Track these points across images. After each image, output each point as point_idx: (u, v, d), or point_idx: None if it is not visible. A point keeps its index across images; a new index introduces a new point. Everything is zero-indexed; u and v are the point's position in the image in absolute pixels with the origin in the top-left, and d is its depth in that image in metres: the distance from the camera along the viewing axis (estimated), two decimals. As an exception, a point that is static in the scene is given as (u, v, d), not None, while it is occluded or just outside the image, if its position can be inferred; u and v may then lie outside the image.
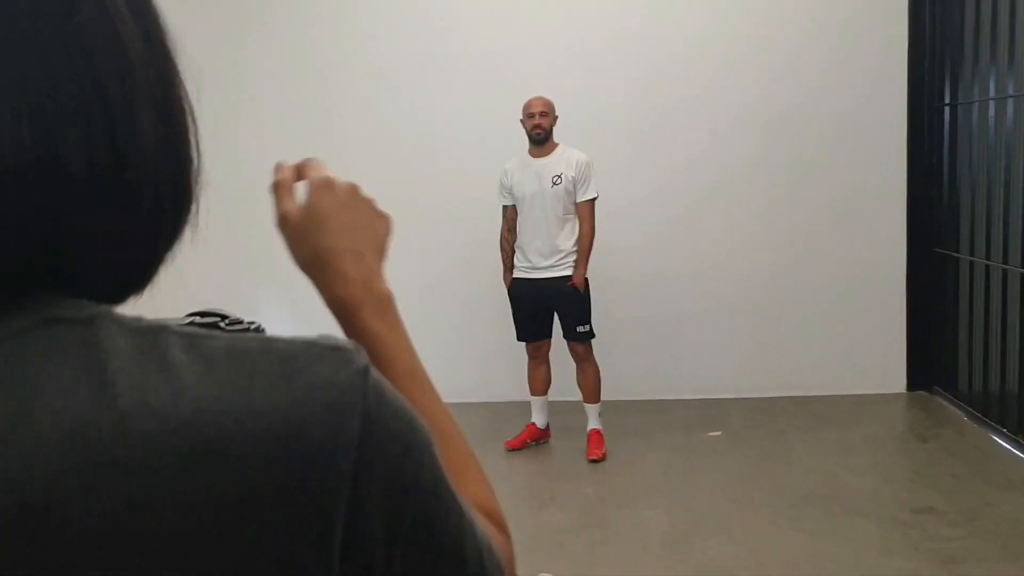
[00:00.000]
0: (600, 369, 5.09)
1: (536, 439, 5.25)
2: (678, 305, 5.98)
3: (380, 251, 0.81)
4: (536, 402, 5.23)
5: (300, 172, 0.81)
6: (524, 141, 5.02)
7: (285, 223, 0.78)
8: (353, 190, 0.80)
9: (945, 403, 5.65)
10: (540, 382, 5.18)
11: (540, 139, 4.93)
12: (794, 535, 3.94)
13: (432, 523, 0.57)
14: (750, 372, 5.96)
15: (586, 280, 4.96)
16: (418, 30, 5.92)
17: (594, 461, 4.93)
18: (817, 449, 4.97)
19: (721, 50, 5.83)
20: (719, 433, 5.29)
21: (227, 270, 5.59)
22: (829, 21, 5.78)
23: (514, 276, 5.08)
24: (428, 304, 5.85)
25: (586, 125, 5.61)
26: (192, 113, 0.58)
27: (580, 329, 4.97)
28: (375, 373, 0.56)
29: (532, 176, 4.95)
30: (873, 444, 5.09)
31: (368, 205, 0.81)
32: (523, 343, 5.19)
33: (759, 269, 5.93)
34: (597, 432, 5.07)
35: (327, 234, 0.77)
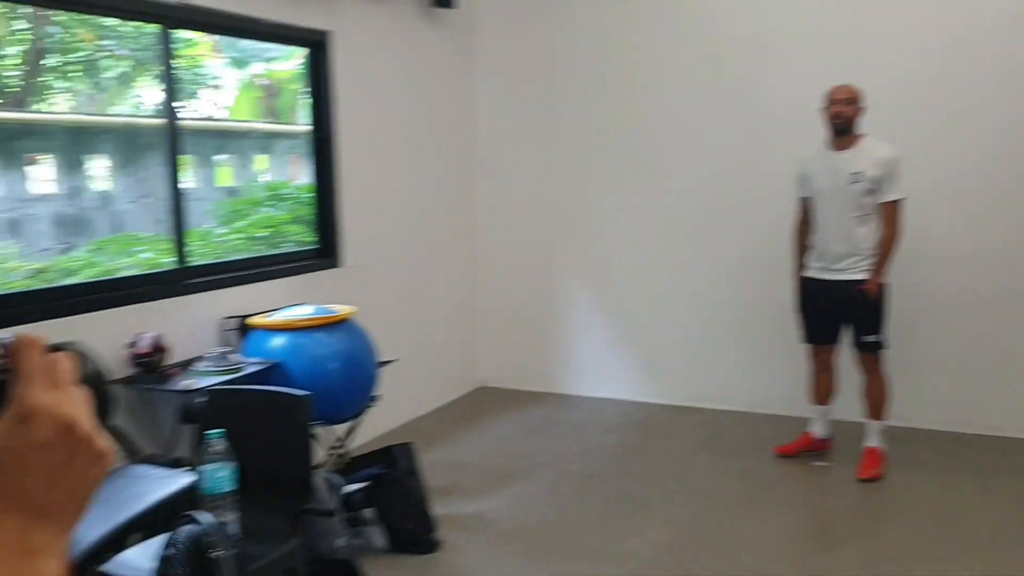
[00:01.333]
0: (889, 384, 4.62)
1: (811, 449, 4.87)
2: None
3: (77, 501, 0.64)
4: (816, 411, 4.86)
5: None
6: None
7: None
8: (65, 424, 0.62)
9: None
10: (822, 390, 4.83)
11: (840, 129, 4.46)
12: None
13: None
14: None
15: (882, 286, 4.48)
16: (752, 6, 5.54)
17: (863, 481, 4.53)
18: None
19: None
20: (1077, 489, 4.41)
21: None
22: None
23: (804, 275, 4.71)
24: (716, 303, 5.64)
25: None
26: None
27: (868, 339, 4.54)
28: None
29: (829, 170, 4.51)
30: None
31: (82, 443, 0.63)
32: (807, 346, 4.83)
33: None
34: (874, 451, 4.64)
35: (3, 481, 0.61)
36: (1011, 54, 4.97)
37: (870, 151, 4.45)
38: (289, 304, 4.37)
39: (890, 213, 4.45)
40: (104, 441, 0.65)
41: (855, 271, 4.53)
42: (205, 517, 2.47)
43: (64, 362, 0.64)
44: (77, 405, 0.63)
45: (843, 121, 4.46)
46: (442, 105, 5.92)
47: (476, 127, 6.25)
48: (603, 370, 6.10)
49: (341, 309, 4.28)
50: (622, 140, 5.90)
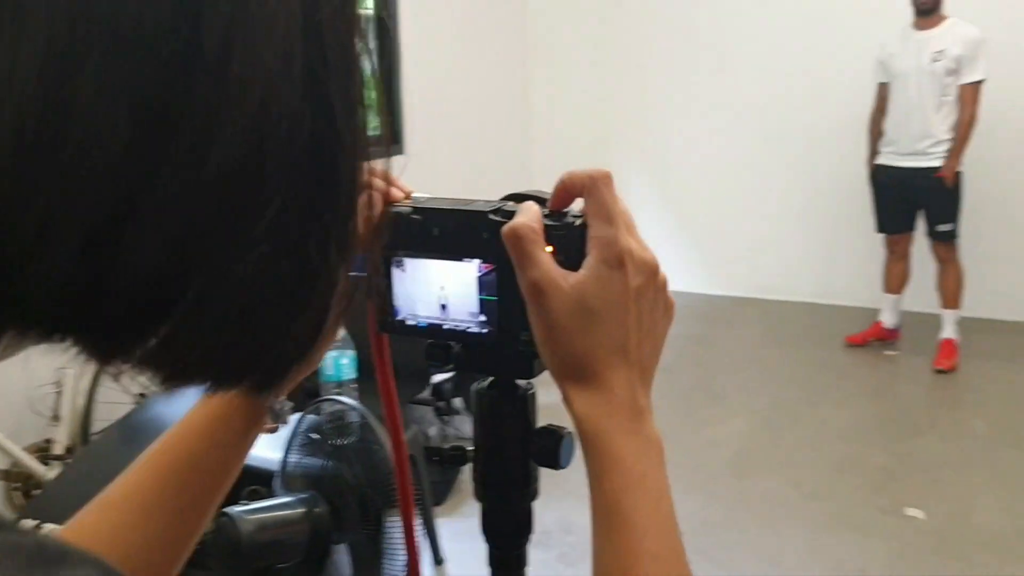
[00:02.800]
0: (963, 273, 4.58)
1: (881, 338, 4.86)
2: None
3: (657, 356, 0.57)
4: (888, 300, 4.83)
5: (575, 196, 0.56)
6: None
7: (541, 296, 0.54)
8: (652, 269, 0.55)
9: None
10: (896, 279, 4.78)
11: (925, 9, 4.32)
12: None
13: None
14: None
15: (958, 174, 4.40)
16: None
17: (940, 371, 4.51)
18: None
19: None
20: None
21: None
22: None
23: (878, 163, 4.62)
24: (781, 194, 5.53)
25: None
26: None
27: (942, 228, 4.48)
28: None
29: (911, 50, 4.38)
30: None
31: (661, 293, 0.57)
32: (881, 235, 4.77)
33: None
34: (949, 342, 4.61)
35: (600, 335, 0.54)
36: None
37: (955, 30, 4.32)
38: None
39: (970, 95, 4.33)
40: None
41: (931, 157, 4.42)
42: (345, 400, 2.41)
43: (623, 200, 0.56)
44: (648, 248, 0.56)
45: (927, 1, 4.30)
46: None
47: (527, 9, 6.02)
48: (664, 261, 5.96)
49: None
50: (688, 25, 5.69)
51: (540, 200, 0.59)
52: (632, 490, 0.52)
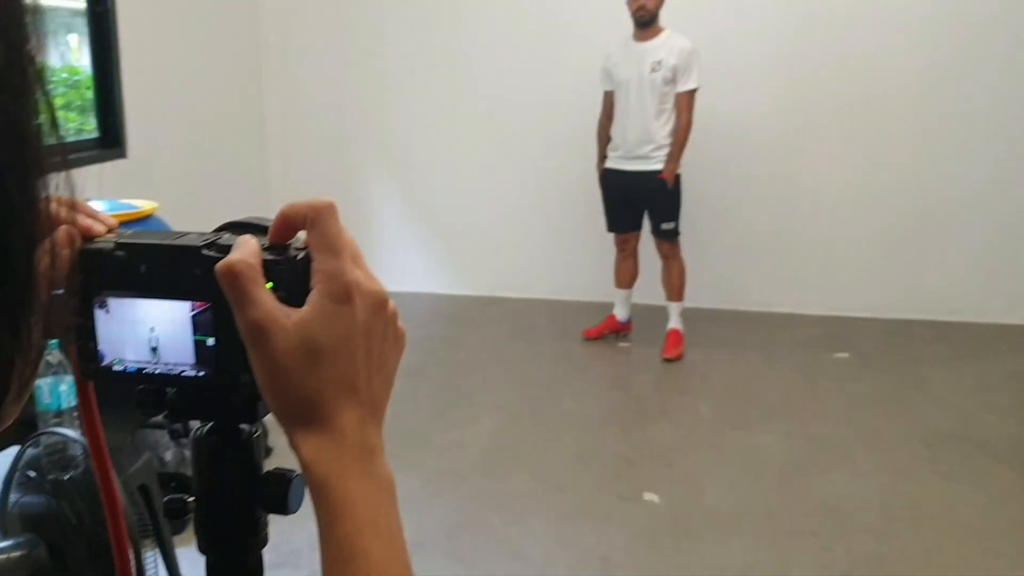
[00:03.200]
0: (686, 268, 4.93)
1: (615, 331, 5.15)
2: (809, 214, 5.55)
3: (388, 391, 0.55)
4: (619, 295, 5.12)
5: (297, 228, 0.54)
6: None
7: (262, 337, 0.50)
8: (380, 301, 0.53)
9: (1103, 341, 5.13)
10: (625, 275, 5.08)
11: (644, 21, 4.63)
12: (926, 477, 3.61)
13: None
14: (885, 290, 5.52)
15: (678, 176, 4.74)
16: None
17: (668, 360, 4.83)
18: (956, 383, 4.56)
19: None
20: (846, 355, 4.92)
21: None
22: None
23: (606, 167, 4.90)
24: (519, 196, 5.73)
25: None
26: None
27: (665, 226, 4.81)
28: None
29: (632, 60, 4.67)
30: (1018, 382, 4.64)
31: (391, 325, 0.55)
32: (612, 235, 5.05)
33: (905, 181, 5.41)
34: (676, 332, 4.95)
35: (328, 374, 0.51)
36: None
37: (670, 43, 4.62)
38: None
39: (685, 102, 4.65)
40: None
41: (653, 161, 4.71)
42: (65, 432, 2.20)
43: (348, 231, 0.53)
44: (376, 279, 0.54)
45: (646, 13, 4.60)
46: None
47: (259, 3, 5.81)
48: (407, 264, 6.01)
49: (142, 204, 3.88)
50: (424, 25, 5.71)
51: (262, 229, 0.56)
52: (365, 534, 0.50)
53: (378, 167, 5.96)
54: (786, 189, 5.54)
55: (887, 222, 5.45)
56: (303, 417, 0.51)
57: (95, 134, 4.52)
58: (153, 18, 4.74)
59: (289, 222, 0.53)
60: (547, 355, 4.95)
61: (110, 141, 4.52)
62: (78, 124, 4.57)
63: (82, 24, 4.45)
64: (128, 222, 3.75)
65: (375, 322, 0.52)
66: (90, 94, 4.51)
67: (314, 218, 0.52)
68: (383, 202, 5.98)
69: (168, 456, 3.38)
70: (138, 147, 4.62)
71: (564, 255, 5.81)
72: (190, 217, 4.92)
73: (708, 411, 4.26)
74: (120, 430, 2.71)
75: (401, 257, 6.01)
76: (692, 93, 4.64)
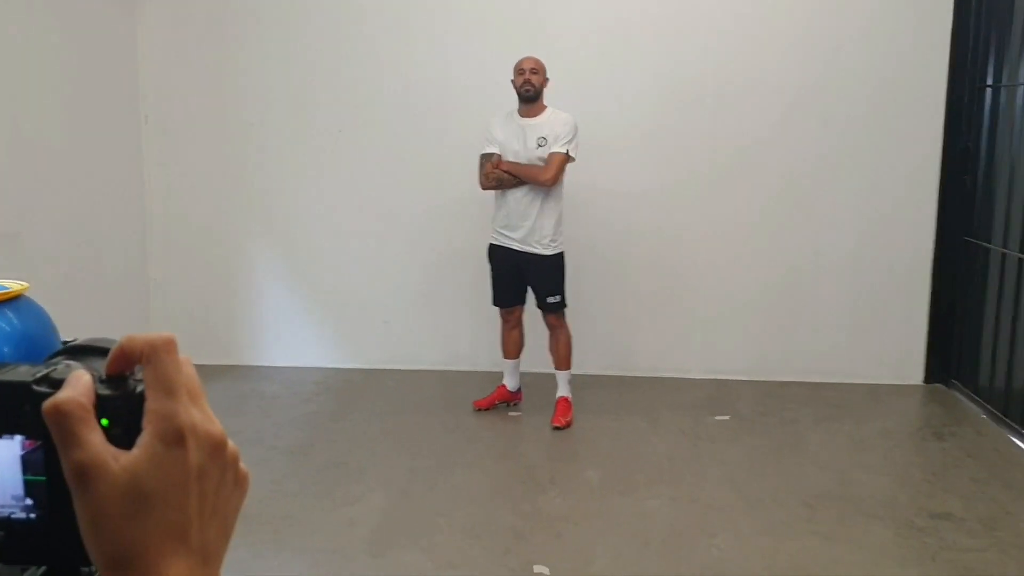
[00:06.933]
0: (571, 337, 5.01)
1: (506, 401, 5.20)
2: (689, 281, 5.74)
3: (227, 538, 0.53)
4: (507, 365, 5.18)
5: (134, 364, 0.52)
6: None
7: (85, 481, 0.48)
8: (217, 444, 0.51)
9: (963, 398, 5.42)
10: (512, 345, 5.14)
11: (529, 96, 4.72)
12: (807, 538, 3.73)
13: None
14: (762, 354, 5.74)
15: (561, 253, 4.86)
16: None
17: (557, 428, 4.89)
18: (830, 442, 4.75)
19: (745, 22, 5.50)
20: (727, 418, 5.08)
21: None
22: (869, -10, 5.46)
23: (491, 242, 4.95)
24: (405, 267, 5.78)
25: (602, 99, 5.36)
26: None
27: (551, 300, 4.92)
28: None
29: (517, 133, 4.75)
30: (888, 440, 4.87)
31: (231, 468, 0.53)
32: (497, 308, 5.11)
33: (778, 247, 5.67)
34: (565, 400, 5.03)
35: (155, 521, 0.49)
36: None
37: (555, 119, 4.73)
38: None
39: (556, 162, 4.64)
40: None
41: (535, 244, 4.79)
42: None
43: (190, 366, 0.52)
44: (215, 420, 0.52)
45: (532, 89, 4.70)
46: (96, 49, 5.34)
47: (139, 77, 5.72)
48: (291, 338, 5.93)
49: (10, 284, 3.73)
50: (308, 102, 5.72)
51: (106, 353, 0.54)
52: None
53: (262, 241, 5.89)
54: (667, 257, 5.72)
55: (761, 287, 5.69)
56: (124, 567, 0.48)
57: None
58: (27, 89, 4.63)
59: (126, 356, 0.51)
60: (438, 426, 4.93)
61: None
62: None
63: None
64: (-4, 302, 3.60)
65: (211, 465, 0.50)
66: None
67: (150, 355, 0.50)
68: (268, 276, 5.91)
69: None
70: (8, 222, 4.46)
71: (452, 325, 5.84)
72: (64, 298, 4.78)
73: (596, 478, 4.31)
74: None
75: (287, 331, 5.93)
76: (564, 156, 4.65)
